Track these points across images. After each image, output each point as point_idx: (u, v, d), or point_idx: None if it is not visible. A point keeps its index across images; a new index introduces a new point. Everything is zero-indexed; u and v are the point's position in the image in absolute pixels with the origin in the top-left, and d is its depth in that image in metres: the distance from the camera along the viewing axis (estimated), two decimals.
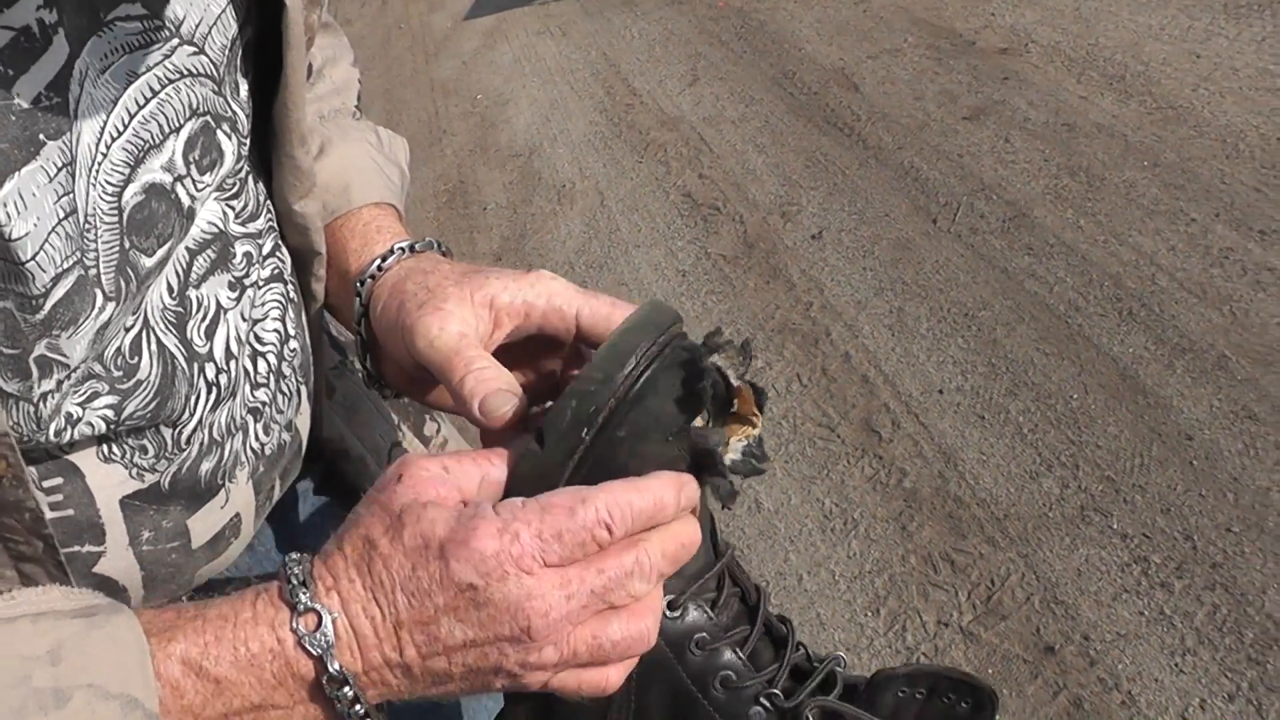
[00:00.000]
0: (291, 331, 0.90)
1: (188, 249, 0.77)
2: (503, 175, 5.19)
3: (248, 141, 0.83)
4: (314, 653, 0.61)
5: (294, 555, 0.64)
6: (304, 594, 0.62)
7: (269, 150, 0.88)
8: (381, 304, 0.87)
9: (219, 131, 0.78)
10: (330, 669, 0.61)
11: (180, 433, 0.78)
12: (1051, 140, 4.29)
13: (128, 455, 0.75)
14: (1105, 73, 4.67)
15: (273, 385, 0.87)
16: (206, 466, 0.81)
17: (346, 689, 0.62)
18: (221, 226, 0.80)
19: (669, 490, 0.66)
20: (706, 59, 5.88)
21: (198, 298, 0.78)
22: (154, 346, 0.74)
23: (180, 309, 0.77)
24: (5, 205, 0.59)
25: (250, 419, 0.85)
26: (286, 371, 0.89)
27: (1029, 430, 2.99)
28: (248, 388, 0.83)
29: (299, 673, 0.62)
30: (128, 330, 0.72)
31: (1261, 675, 2.27)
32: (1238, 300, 3.25)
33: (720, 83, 5.54)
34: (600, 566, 0.64)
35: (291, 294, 0.90)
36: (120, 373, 0.72)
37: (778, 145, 4.80)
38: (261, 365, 0.86)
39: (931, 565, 2.67)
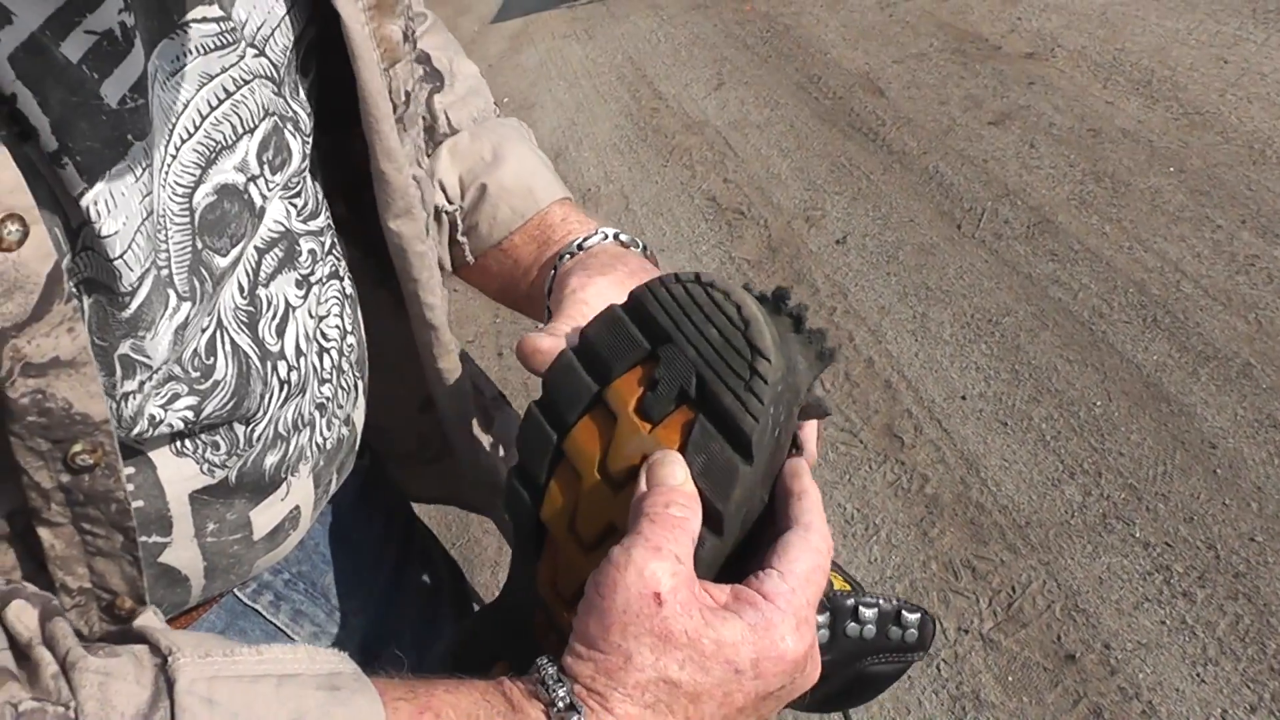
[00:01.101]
0: (349, 327, 0.91)
1: (256, 248, 0.77)
2: None
3: (310, 140, 0.83)
4: None
5: (564, 695, 0.61)
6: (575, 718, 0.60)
7: (351, 161, 0.89)
8: (567, 267, 0.92)
9: (285, 131, 0.79)
10: None
11: (253, 430, 0.78)
12: (1076, 145, 4.27)
13: (200, 450, 0.75)
14: (1131, 78, 4.65)
15: (335, 381, 0.88)
16: (271, 460, 0.82)
17: None
18: (286, 225, 0.81)
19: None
20: (732, 63, 5.89)
21: (267, 296, 0.79)
22: (228, 347, 0.75)
23: (251, 308, 0.77)
24: (96, 203, 0.59)
25: (316, 414, 0.86)
26: (345, 367, 0.90)
27: (1051, 437, 2.98)
28: (316, 383, 0.85)
29: None
30: (203, 331, 0.73)
31: None
32: (1263, 308, 3.23)
33: (745, 87, 5.55)
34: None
35: (349, 290, 0.91)
36: (198, 374, 0.72)
37: (802, 150, 4.80)
38: (326, 361, 0.86)
39: (952, 571, 2.67)
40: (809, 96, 5.25)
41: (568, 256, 0.96)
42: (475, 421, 1.07)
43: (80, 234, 0.60)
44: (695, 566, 0.65)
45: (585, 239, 0.97)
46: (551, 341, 0.78)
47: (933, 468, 2.98)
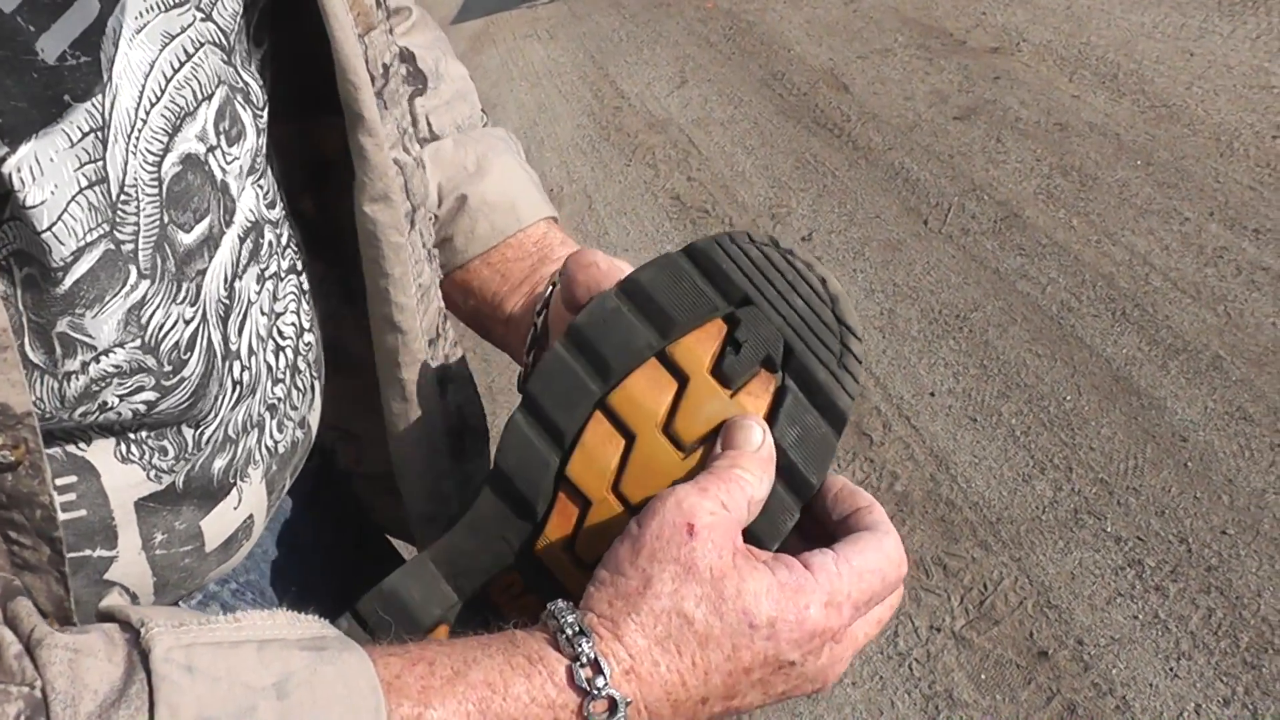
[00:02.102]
0: (306, 324, 0.86)
1: (238, 236, 0.74)
2: None
3: (263, 116, 0.78)
4: None
5: (573, 622, 0.59)
6: (600, 679, 0.58)
7: (316, 149, 0.85)
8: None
9: (236, 103, 0.74)
10: None
11: (202, 433, 0.74)
12: (1043, 140, 4.28)
13: (147, 456, 0.71)
14: (1098, 71, 4.66)
15: (288, 380, 0.84)
16: (220, 464, 0.77)
17: None
18: (256, 213, 0.77)
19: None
20: (694, 61, 5.88)
21: (239, 289, 0.75)
22: (204, 342, 0.71)
23: (228, 301, 0.73)
24: (19, 170, 0.55)
25: (267, 415, 0.81)
26: (302, 366, 0.86)
27: (1021, 432, 2.98)
28: (269, 384, 0.81)
29: None
30: (187, 323, 0.69)
31: (1257, 679, 2.25)
32: (1232, 300, 3.24)
33: (708, 84, 5.54)
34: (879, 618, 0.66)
35: (306, 285, 0.86)
36: (170, 368, 0.68)
37: (767, 147, 4.79)
38: (281, 360, 0.82)
39: (923, 569, 2.65)
40: (773, 93, 5.24)
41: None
42: (443, 448, 1.00)
43: (8, 202, 0.56)
44: (771, 540, 0.65)
45: None
46: (610, 264, 0.74)
47: (902, 465, 2.97)
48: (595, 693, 0.57)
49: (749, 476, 0.63)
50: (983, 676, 2.38)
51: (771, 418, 0.66)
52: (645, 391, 0.66)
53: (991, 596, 2.55)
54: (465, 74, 1.10)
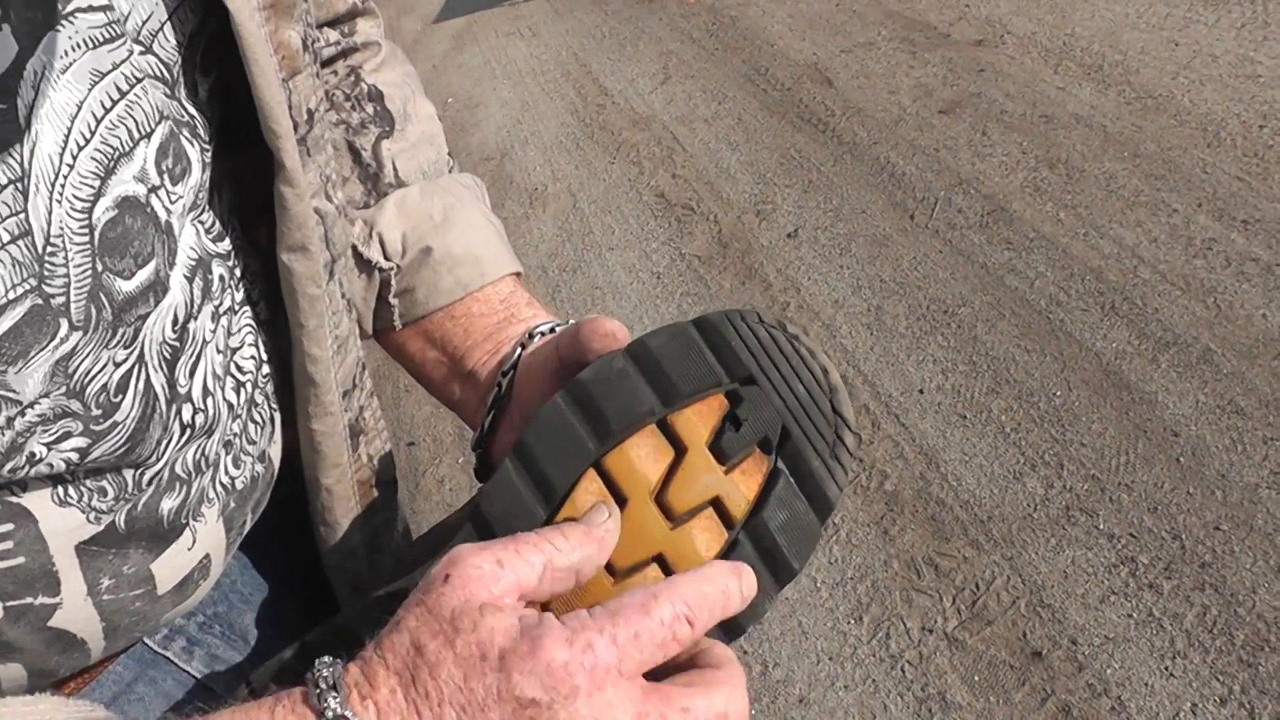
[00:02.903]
0: (265, 356, 0.84)
1: (184, 276, 0.71)
2: None
3: (209, 149, 0.75)
4: None
5: (325, 659, 0.58)
6: (333, 698, 0.55)
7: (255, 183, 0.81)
8: (534, 347, 0.88)
9: (182, 137, 0.71)
10: None
11: (143, 474, 0.72)
12: (1029, 132, 4.26)
13: (85, 499, 0.68)
14: (1082, 63, 4.65)
15: (246, 415, 0.81)
16: (169, 505, 0.75)
17: None
18: (199, 249, 0.74)
19: (733, 578, 0.62)
20: (678, 57, 5.85)
21: (194, 330, 0.72)
22: (141, 385, 0.68)
23: (178, 343, 0.71)
24: None
25: (222, 452, 0.79)
26: (259, 399, 0.83)
27: (1011, 429, 2.96)
28: (229, 421, 0.78)
29: None
30: (117, 365, 0.65)
31: (1254, 678, 2.23)
32: (1222, 292, 3.22)
33: (692, 81, 5.51)
34: (684, 705, 0.58)
35: (263, 315, 0.84)
36: (99, 412, 0.65)
37: (751, 143, 4.77)
38: (241, 396, 0.80)
39: (915, 570, 2.63)
40: (756, 89, 5.22)
41: (539, 336, 0.90)
42: (354, 500, 0.97)
43: None
44: (749, 621, 0.65)
45: (555, 325, 0.92)
46: (621, 329, 0.73)
47: (891, 464, 2.95)
48: (330, 713, 0.55)
49: (557, 543, 0.60)
50: (976, 678, 2.36)
51: (761, 499, 0.67)
52: (642, 458, 0.66)
53: (984, 596, 2.53)
54: (433, 113, 1.08)
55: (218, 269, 0.76)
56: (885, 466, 2.94)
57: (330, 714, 0.55)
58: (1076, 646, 2.37)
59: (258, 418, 0.83)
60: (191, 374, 0.73)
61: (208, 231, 0.76)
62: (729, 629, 0.65)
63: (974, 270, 3.60)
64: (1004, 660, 2.38)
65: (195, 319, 0.72)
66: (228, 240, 0.79)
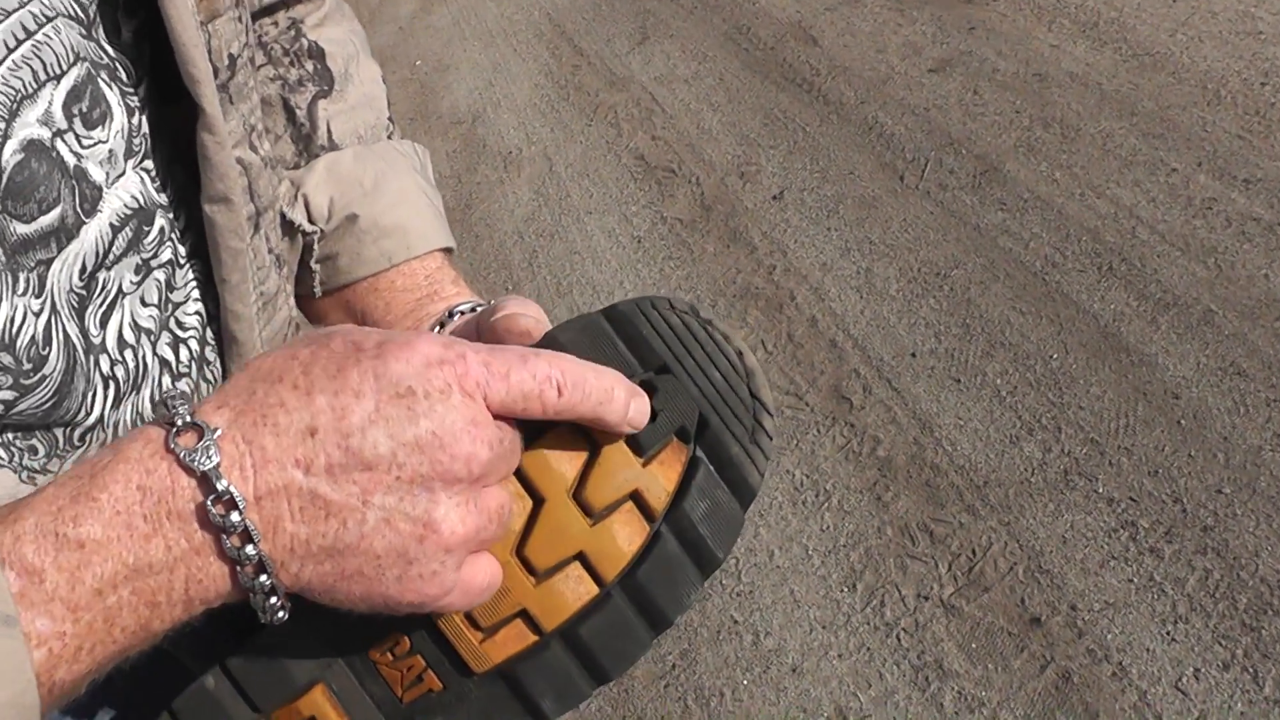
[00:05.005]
0: (213, 312, 0.84)
1: (111, 225, 0.71)
2: (445, 144, 5.14)
3: (137, 91, 0.75)
4: (194, 470, 0.53)
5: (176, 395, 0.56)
6: (183, 406, 0.54)
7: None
8: (453, 327, 0.88)
9: (100, 81, 0.70)
10: (217, 486, 0.53)
11: (74, 432, 0.71)
12: (1022, 91, 4.28)
13: (16, 458, 0.68)
14: (1077, 20, 4.66)
15: (195, 373, 0.81)
16: None
17: (234, 515, 0.53)
18: (143, 198, 0.74)
19: (621, 386, 0.63)
20: (655, 15, 5.84)
21: (104, 280, 0.72)
22: (60, 336, 0.67)
23: (84, 291, 0.70)
24: None
25: None
26: (210, 356, 0.83)
27: (1007, 393, 2.98)
28: (168, 379, 0.78)
29: (177, 509, 0.53)
30: (36, 316, 0.66)
31: (1256, 641, 2.26)
32: (1222, 252, 3.24)
33: (670, 40, 5.50)
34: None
35: (210, 270, 0.83)
36: (30, 365, 0.65)
37: (733, 104, 4.77)
38: (183, 353, 0.80)
39: (909, 536, 2.65)
40: (738, 48, 5.21)
41: (459, 315, 0.90)
42: None
43: None
44: (674, 613, 0.66)
45: (477, 305, 0.91)
46: (537, 326, 0.73)
47: (884, 429, 2.96)
48: (181, 421, 0.54)
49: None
50: (973, 645, 2.39)
51: (682, 489, 0.67)
52: (558, 456, 0.66)
53: (980, 563, 2.55)
54: (378, 75, 1.08)
55: (160, 220, 0.77)
56: (877, 432, 2.96)
57: (181, 421, 0.54)
58: (1076, 612, 2.40)
59: (210, 376, 0.83)
60: (103, 324, 0.73)
61: (153, 180, 0.76)
62: (654, 619, 0.66)
63: (967, 232, 3.62)
64: (1002, 627, 2.41)
65: (108, 269, 0.72)
66: (169, 192, 0.79)
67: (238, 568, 0.54)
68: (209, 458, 0.53)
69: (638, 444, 0.66)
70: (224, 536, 0.53)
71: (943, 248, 3.58)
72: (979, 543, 2.60)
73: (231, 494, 0.53)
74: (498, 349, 0.59)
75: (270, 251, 0.88)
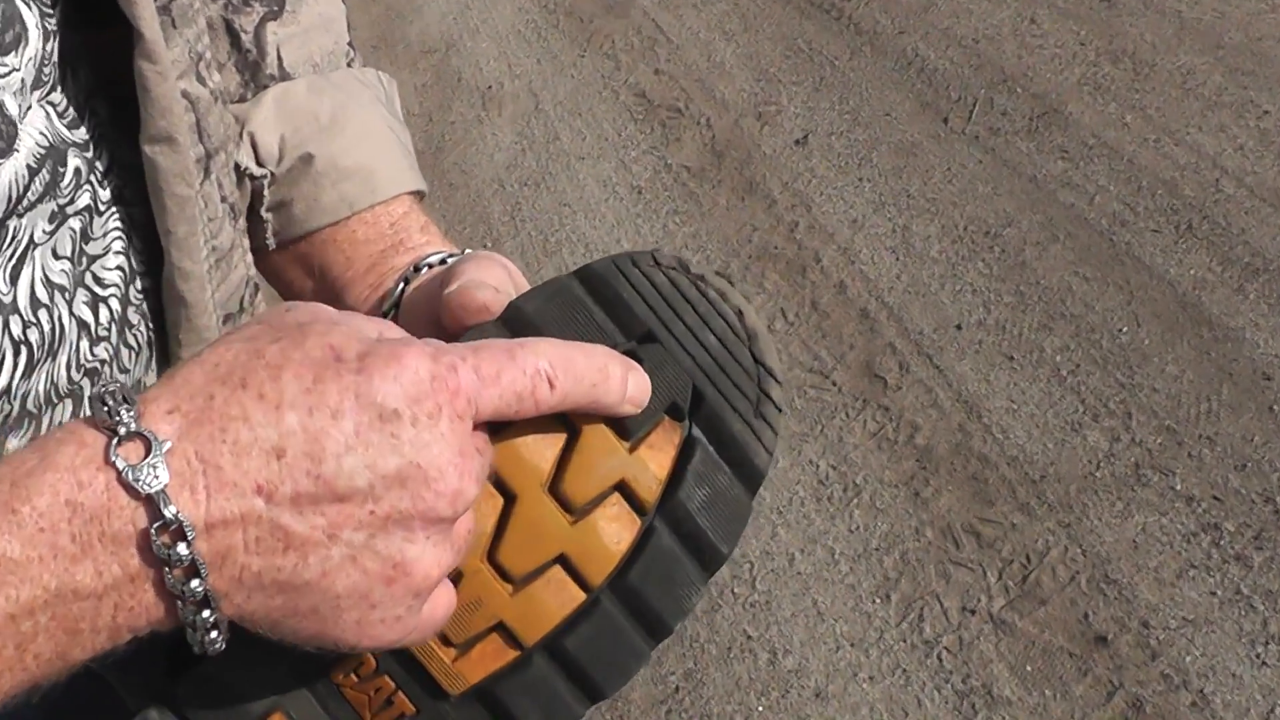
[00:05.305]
0: (139, 267, 0.82)
1: (29, 166, 0.70)
2: (414, 76, 5.15)
3: (54, 14, 0.73)
4: (138, 491, 0.51)
5: (115, 390, 0.54)
6: (126, 408, 0.52)
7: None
8: (418, 282, 0.88)
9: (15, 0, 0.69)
10: (164, 513, 0.51)
11: None
12: (1087, 19, 4.28)
13: None
14: None
15: (114, 337, 0.80)
16: (14, 444, 0.73)
17: (181, 547, 0.51)
18: (50, 135, 0.73)
19: (614, 361, 0.63)
20: None
21: (15, 228, 0.70)
22: None
23: None
24: None
25: (85, 383, 0.77)
26: (134, 318, 0.82)
27: (1069, 372, 2.97)
28: (86, 344, 0.77)
29: (112, 531, 0.51)
30: None
31: None
32: None
33: None
34: None
35: (138, 218, 0.82)
36: None
37: (750, 32, 4.79)
38: (103, 313, 0.78)
39: (952, 539, 2.65)
40: None
41: (426, 268, 0.89)
42: None
43: None
44: (674, 619, 0.66)
45: (448, 256, 0.90)
46: (495, 298, 0.71)
47: (924, 413, 2.96)
48: (124, 430, 0.52)
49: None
50: (1028, 668, 2.38)
51: (677, 476, 0.67)
52: (530, 445, 0.66)
53: (1036, 571, 2.54)
54: None
55: (74, 160, 0.75)
56: (916, 417, 2.95)
57: (124, 430, 0.52)
58: (1149, 630, 2.38)
59: (132, 341, 0.82)
60: (13, 280, 0.71)
61: (61, 115, 0.75)
62: (650, 626, 0.66)
63: (1021, 184, 3.62)
64: (1061, 646, 2.39)
65: (20, 216, 0.70)
66: (85, 127, 0.77)
67: (178, 602, 0.54)
68: (156, 477, 0.51)
69: (623, 426, 0.66)
70: (166, 570, 0.52)
71: (993, 202, 3.57)
72: (1034, 547, 2.59)
73: (180, 523, 0.51)
74: (483, 345, 0.59)
75: (224, 200, 0.87)
